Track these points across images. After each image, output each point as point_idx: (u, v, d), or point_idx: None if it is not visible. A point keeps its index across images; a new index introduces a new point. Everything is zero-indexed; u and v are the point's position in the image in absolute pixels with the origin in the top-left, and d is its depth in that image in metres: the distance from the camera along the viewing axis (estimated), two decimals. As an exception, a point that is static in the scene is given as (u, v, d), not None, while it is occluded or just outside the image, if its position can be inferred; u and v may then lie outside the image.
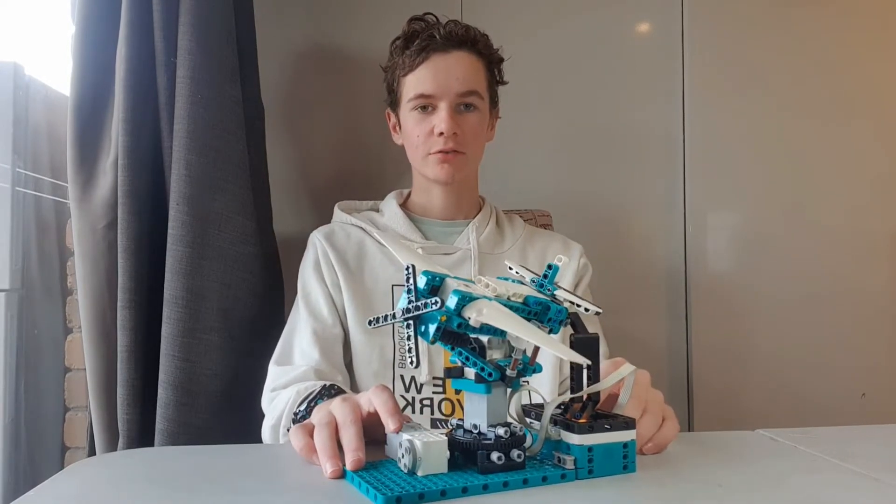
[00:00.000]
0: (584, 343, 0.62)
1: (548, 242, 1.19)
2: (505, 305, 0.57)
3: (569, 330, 0.63)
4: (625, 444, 0.61)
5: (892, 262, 1.69)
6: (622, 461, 0.61)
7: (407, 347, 0.57)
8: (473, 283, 0.59)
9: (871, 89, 1.69)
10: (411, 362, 0.58)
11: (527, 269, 0.66)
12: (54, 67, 1.45)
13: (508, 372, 0.58)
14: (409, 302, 0.55)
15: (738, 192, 1.66)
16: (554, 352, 0.53)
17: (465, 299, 0.55)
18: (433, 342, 0.55)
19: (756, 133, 1.66)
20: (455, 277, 0.58)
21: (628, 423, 0.61)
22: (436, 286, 0.57)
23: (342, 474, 0.61)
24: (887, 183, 1.69)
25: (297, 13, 1.57)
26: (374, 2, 1.55)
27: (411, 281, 0.56)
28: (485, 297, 0.56)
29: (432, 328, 0.54)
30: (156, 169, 1.22)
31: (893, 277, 1.68)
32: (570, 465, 0.59)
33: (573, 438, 0.60)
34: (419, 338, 0.56)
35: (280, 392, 0.97)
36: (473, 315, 0.53)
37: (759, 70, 1.66)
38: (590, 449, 0.60)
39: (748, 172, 1.66)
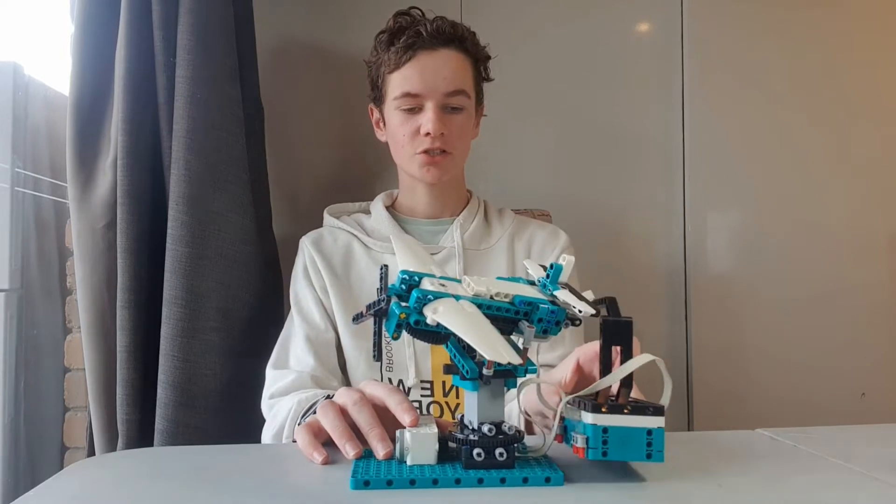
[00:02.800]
0: (615, 326, 0.61)
1: (534, 231, 1.18)
2: (486, 305, 0.57)
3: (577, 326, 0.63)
4: (649, 431, 0.58)
5: (891, 263, 1.69)
6: (645, 448, 0.58)
7: (373, 342, 0.59)
8: (458, 282, 0.59)
9: (870, 90, 1.69)
10: (374, 356, 0.59)
11: (544, 268, 0.65)
12: (54, 67, 1.45)
13: (485, 371, 0.58)
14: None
15: (738, 193, 1.66)
16: (483, 353, 0.52)
17: (426, 297, 0.55)
18: (395, 338, 0.56)
19: (756, 134, 1.66)
20: (441, 277, 0.59)
21: (656, 410, 0.58)
22: (413, 285, 0.57)
23: (363, 454, 0.63)
24: (887, 183, 1.69)
25: (296, 13, 1.56)
26: (374, 2, 1.55)
27: (382, 280, 0.59)
28: (454, 296, 0.57)
29: (392, 324, 0.56)
30: (155, 169, 1.22)
31: (893, 277, 1.68)
32: (580, 444, 0.58)
33: (587, 417, 0.58)
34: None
35: (280, 399, 0.97)
36: (429, 314, 0.54)
37: (759, 71, 1.66)
38: (605, 430, 0.58)
39: (748, 173, 1.66)
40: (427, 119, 1.06)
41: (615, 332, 0.61)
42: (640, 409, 0.59)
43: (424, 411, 1.04)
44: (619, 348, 0.61)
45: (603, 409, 0.58)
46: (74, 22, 1.24)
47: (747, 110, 1.66)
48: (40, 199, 1.40)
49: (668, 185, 1.65)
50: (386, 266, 0.60)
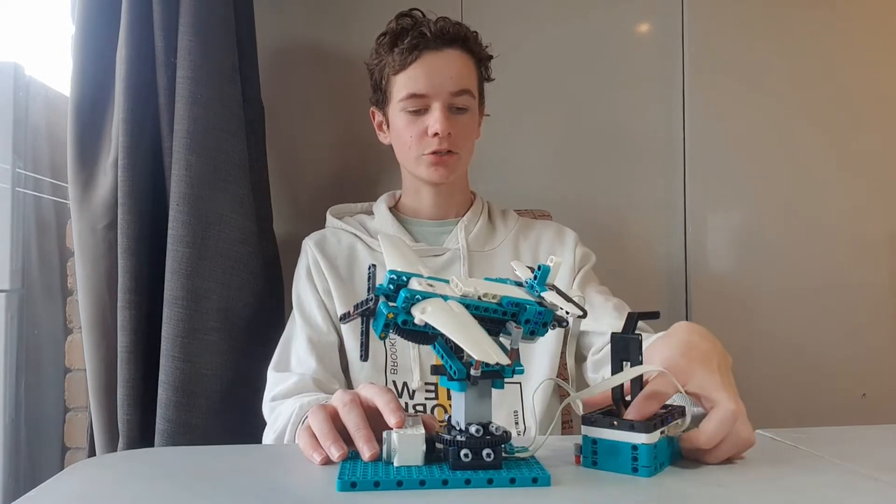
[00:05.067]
0: (623, 342, 0.64)
1: (540, 232, 1.17)
2: (474, 305, 0.57)
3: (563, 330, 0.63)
4: (634, 447, 0.60)
5: (891, 263, 1.69)
6: (631, 462, 0.60)
7: (360, 342, 0.59)
8: (446, 282, 0.60)
9: (870, 90, 1.69)
10: (361, 356, 0.59)
11: (532, 269, 0.65)
12: (54, 67, 1.45)
13: (472, 371, 0.57)
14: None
15: (739, 193, 1.66)
16: (471, 352, 0.52)
17: (414, 297, 0.56)
18: (382, 338, 0.56)
19: (756, 134, 1.66)
20: (429, 277, 0.59)
21: (644, 426, 0.60)
22: (401, 285, 0.58)
23: (348, 456, 0.63)
24: (886, 184, 1.69)
25: (296, 13, 1.56)
26: (374, 2, 1.55)
27: (370, 280, 0.59)
28: (442, 296, 0.57)
29: (379, 324, 0.56)
30: (156, 169, 1.22)
31: (893, 278, 1.68)
32: (576, 451, 0.61)
33: (583, 428, 0.62)
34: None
35: (282, 402, 0.97)
36: (417, 314, 0.54)
37: (759, 71, 1.66)
38: (594, 441, 0.62)
39: (748, 173, 1.66)
40: (434, 119, 1.05)
41: (623, 348, 0.64)
42: (626, 423, 0.60)
43: (429, 413, 1.03)
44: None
45: (593, 421, 0.62)
46: (75, 22, 1.24)
47: (748, 110, 1.66)
48: (41, 200, 1.40)
49: (668, 185, 1.65)
50: (374, 266, 0.60)
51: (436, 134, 1.05)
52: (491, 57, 1.14)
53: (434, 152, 1.06)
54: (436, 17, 1.08)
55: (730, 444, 0.63)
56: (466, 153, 1.12)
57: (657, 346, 0.70)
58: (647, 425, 0.60)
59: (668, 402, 0.66)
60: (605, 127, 1.64)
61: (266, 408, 1.00)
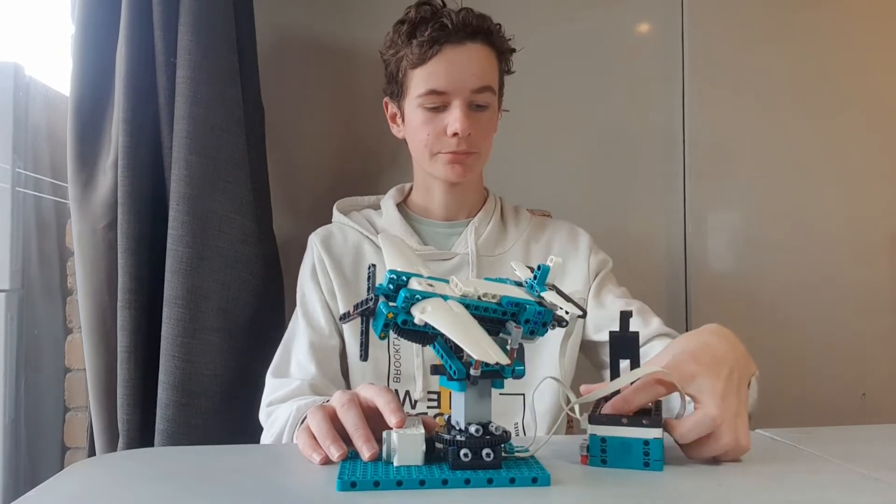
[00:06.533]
0: (621, 340, 0.64)
1: (552, 235, 1.13)
2: (473, 305, 0.57)
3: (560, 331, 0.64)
4: (646, 442, 0.61)
5: (892, 262, 1.69)
6: (643, 457, 0.61)
7: (360, 342, 0.59)
8: (446, 282, 0.60)
9: (870, 90, 1.69)
10: (361, 356, 0.59)
11: (531, 269, 0.65)
12: (54, 67, 1.45)
13: (472, 371, 0.57)
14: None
15: (739, 193, 1.66)
16: (471, 352, 0.52)
17: (413, 297, 0.56)
18: (382, 337, 0.56)
19: (756, 133, 1.66)
20: (429, 277, 0.59)
21: (653, 421, 0.61)
22: (401, 284, 0.58)
23: (347, 456, 0.63)
24: (887, 183, 1.69)
25: (296, 13, 1.56)
26: (375, 1, 1.55)
27: (370, 280, 0.59)
28: (442, 296, 0.57)
29: (379, 324, 0.56)
30: (156, 169, 1.22)
31: (893, 277, 1.68)
32: (583, 451, 0.62)
33: (589, 427, 0.63)
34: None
35: (278, 406, 0.95)
36: (417, 314, 0.54)
37: (759, 71, 1.66)
38: (603, 440, 0.62)
39: (748, 173, 1.66)
40: (454, 118, 1.00)
41: (622, 346, 0.64)
42: (636, 420, 0.61)
43: None
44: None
45: (601, 419, 0.62)
46: (75, 22, 1.24)
47: (748, 110, 1.66)
48: (41, 200, 1.40)
49: (668, 184, 1.65)
50: (373, 265, 0.60)
51: (455, 133, 1.00)
52: (514, 50, 1.09)
53: (452, 152, 1.02)
54: (455, 6, 1.03)
55: (709, 448, 0.63)
56: (485, 151, 1.08)
57: (674, 344, 0.70)
58: (655, 420, 0.61)
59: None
60: (605, 126, 1.64)
61: (263, 413, 0.98)
